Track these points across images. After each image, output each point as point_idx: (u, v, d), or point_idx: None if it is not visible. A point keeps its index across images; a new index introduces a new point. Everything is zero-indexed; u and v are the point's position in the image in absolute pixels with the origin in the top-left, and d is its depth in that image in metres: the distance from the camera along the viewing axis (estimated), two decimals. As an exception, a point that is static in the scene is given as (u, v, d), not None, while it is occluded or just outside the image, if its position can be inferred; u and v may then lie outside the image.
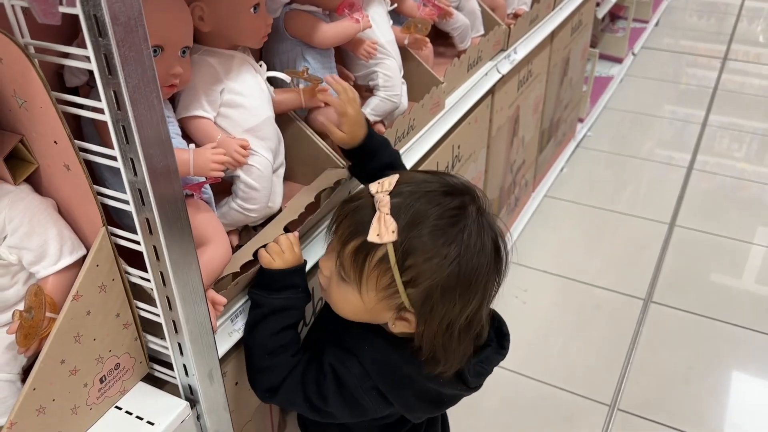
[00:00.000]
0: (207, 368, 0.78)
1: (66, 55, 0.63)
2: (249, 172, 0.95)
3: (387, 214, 0.77)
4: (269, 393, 0.89)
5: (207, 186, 0.88)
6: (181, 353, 0.75)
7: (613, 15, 3.58)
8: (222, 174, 0.83)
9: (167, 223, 0.65)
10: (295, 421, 1.13)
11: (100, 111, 0.60)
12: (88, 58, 0.57)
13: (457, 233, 0.77)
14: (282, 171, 1.05)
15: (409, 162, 1.31)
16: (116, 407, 0.77)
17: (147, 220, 0.65)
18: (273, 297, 0.90)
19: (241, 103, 0.94)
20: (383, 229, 0.76)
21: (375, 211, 0.78)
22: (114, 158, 0.63)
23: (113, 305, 0.73)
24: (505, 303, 2.11)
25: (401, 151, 1.30)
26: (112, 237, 0.70)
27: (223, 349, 0.86)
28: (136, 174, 0.62)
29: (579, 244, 2.45)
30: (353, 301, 0.82)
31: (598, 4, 2.56)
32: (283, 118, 1.11)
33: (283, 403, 0.96)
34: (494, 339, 0.92)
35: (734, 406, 1.84)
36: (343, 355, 0.87)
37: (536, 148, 2.30)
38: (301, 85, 1.07)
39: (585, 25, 2.47)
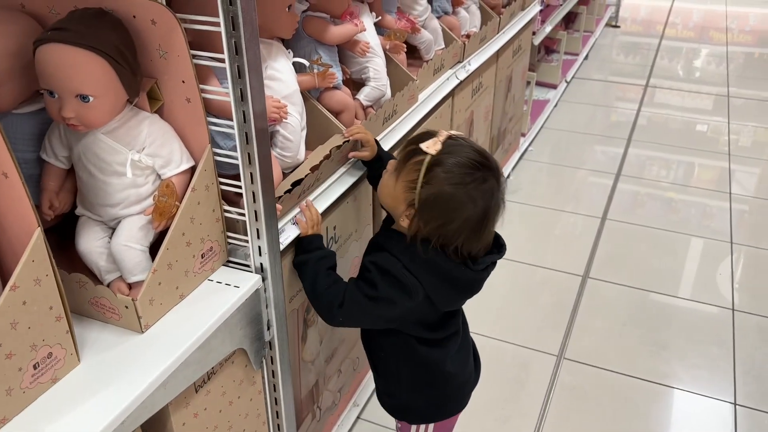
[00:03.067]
0: (274, 251, 1.09)
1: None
2: (285, 127, 1.28)
3: (440, 140, 1.12)
4: (338, 308, 1.17)
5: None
6: (258, 237, 1.07)
7: (548, 48, 4.09)
8: (278, 117, 1.17)
9: (259, 134, 0.98)
10: (314, 335, 1.44)
11: (221, 60, 0.94)
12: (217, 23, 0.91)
13: (473, 174, 1.10)
14: (305, 133, 1.39)
15: (393, 138, 1.67)
16: (209, 280, 1.08)
17: (246, 134, 0.98)
18: (315, 252, 1.25)
19: (279, 77, 1.28)
20: (432, 145, 1.11)
21: (435, 136, 1.14)
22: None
23: (212, 202, 1.05)
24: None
25: (388, 129, 1.66)
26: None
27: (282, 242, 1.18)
28: (242, 99, 0.96)
29: (527, 235, 2.84)
30: (390, 185, 1.17)
31: (534, 33, 3.02)
32: (303, 96, 1.46)
33: (349, 312, 1.19)
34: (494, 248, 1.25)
35: (662, 354, 2.23)
36: (377, 252, 1.20)
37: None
38: (315, 70, 1.42)
39: (524, 50, 2.91)
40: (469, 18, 2.29)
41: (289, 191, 1.24)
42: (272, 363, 1.21)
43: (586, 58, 4.84)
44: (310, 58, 1.47)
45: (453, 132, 1.16)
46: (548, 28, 3.19)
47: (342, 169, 1.46)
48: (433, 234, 1.12)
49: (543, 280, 2.57)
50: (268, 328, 1.16)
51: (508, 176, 3.19)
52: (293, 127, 1.30)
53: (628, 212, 3.03)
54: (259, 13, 1.24)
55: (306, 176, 1.29)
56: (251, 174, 1.02)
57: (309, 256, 1.23)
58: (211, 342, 1.01)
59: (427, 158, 1.11)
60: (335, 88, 1.51)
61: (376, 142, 1.46)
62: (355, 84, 1.69)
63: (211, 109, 1.06)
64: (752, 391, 2.07)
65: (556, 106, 4.01)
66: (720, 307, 2.43)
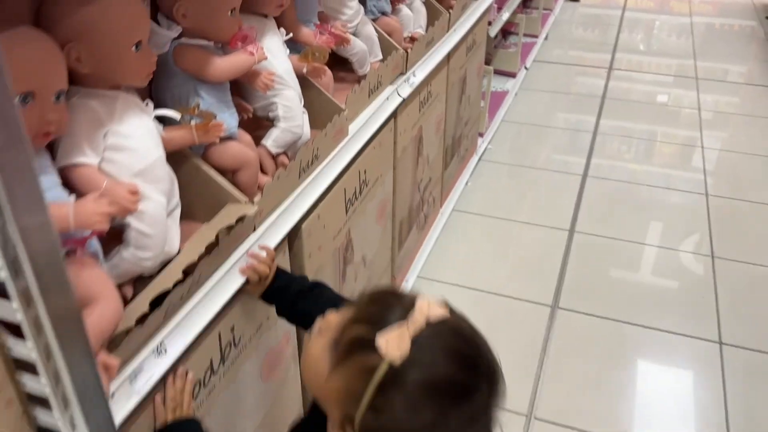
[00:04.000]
0: (105, 439, 0.72)
1: None
2: (141, 218, 0.89)
3: (409, 335, 0.69)
4: None
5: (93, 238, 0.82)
6: (73, 428, 0.69)
7: (505, 31, 3.71)
8: (106, 226, 0.78)
9: (47, 290, 0.59)
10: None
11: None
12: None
13: (450, 403, 0.69)
14: (177, 213, 1.00)
15: (316, 192, 1.29)
16: (3, 492, 0.70)
17: (24, 288, 0.59)
18: None
19: (128, 146, 0.89)
20: (393, 344, 0.68)
21: (405, 315, 0.71)
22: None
23: (-7, 381, 0.66)
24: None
25: (306, 182, 1.27)
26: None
27: (122, 414, 0.80)
28: (7, 242, 0.56)
29: (487, 255, 2.50)
30: (321, 374, 0.74)
31: (489, 23, 2.64)
32: (176, 156, 1.06)
33: None
34: None
35: (642, 404, 1.93)
36: None
37: (441, 166, 2.33)
38: (194, 122, 1.02)
39: (479, 44, 2.53)
40: (413, 16, 1.89)
41: (143, 319, 0.86)
42: None
43: (546, 38, 4.48)
44: (188, 102, 1.07)
45: (434, 305, 0.72)
46: (506, 15, 2.81)
47: (242, 250, 1.08)
48: None
49: (507, 313, 2.24)
50: None
51: (467, 183, 2.84)
52: (153, 216, 0.91)
53: (599, 221, 2.72)
54: (91, 56, 0.84)
55: (175, 285, 0.91)
56: (46, 345, 0.63)
57: None
58: None
59: (383, 366, 0.68)
60: (230, 137, 1.12)
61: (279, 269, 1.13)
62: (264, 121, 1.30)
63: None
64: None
65: (515, 96, 3.65)
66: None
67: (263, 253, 1.08)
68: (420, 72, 1.80)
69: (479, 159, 3.01)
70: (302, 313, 1.06)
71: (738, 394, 1.92)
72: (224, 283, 1.04)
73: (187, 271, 0.95)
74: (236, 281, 1.06)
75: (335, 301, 1.04)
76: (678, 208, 2.84)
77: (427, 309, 0.71)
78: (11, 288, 0.59)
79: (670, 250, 2.56)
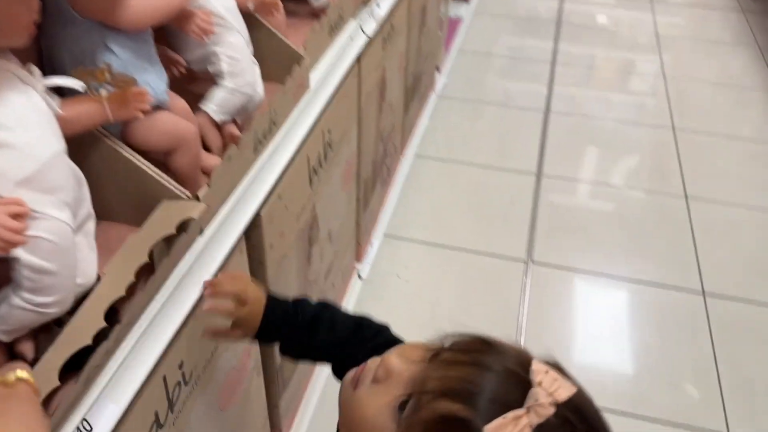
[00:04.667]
0: None
1: None
2: (35, 248, 0.59)
3: (530, 427, 0.47)
4: None
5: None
6: None
7: (456, -52, 3.36)
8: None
9: None
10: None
11: None
12: None
13: None
14: (91, 226, 0.71)
15: (276, 168, 1.00)
16: None
17: None
18: None
19: (5, 142, 0.58)
20: None
21: (517, 389, 0.49)
22: None
23: None
24: (386, 284, 1.86)
25: (264, 157, 0.98)
26: None
27: None
28: None
29: (453, 206, 2.27)
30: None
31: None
32: (83, 140, 0.75)
33: None
34: None
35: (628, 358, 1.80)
36: None
37: (402, 110, 2.05)
38: (105, 91, 0.71)
39: (438, -36, 2.21)
40: (373, -68, 1.56)
41: (51, 395, 0.58)
42: None
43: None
44: (93, 61, 0.75)
45: (559, 379, 0.50)
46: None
47: (187, 262, 0.80)
48: None
49: (480, 271, 2.03)
50: None
51: (426, 126, 2.56)
52: (52, 243, 0.61)
53: (566, 162, 2.52)
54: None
55: (96, 341, 0.62)
56: None
57: None
58: None
59: None
60: (158, 107, 0.81)
61: (269, 293, 0.82)
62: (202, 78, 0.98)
63: None
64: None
65: (470, 22, 3.35)
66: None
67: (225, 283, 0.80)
68: (384, 2, 1.49)
69: (437, 96, 2.73)
70: (320, 346, 0.80)
71: (726, 348, 1.81)
72: (165, 315, 0.76)
73: (113, 312, 0.67)
74: (181, 309, 0.78)
75: (355, 326, 0.80)
76: (645, 143, 2.67)
77: (552, 386, 0.49)
78: None
79: (642, 191, 2.40)
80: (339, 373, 0.79)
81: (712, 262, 2.09)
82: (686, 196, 2.36)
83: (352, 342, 0.79)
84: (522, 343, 1.74)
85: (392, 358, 0.55)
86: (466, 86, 2.92)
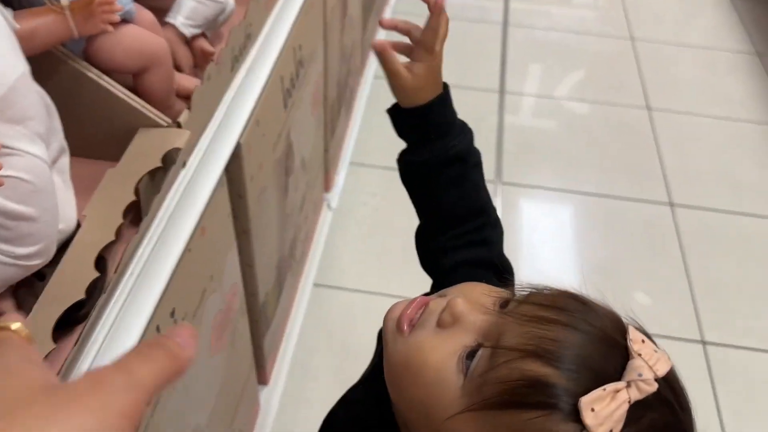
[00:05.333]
0: None
1: None
2: (9, 191, 0.49)
3: (629, 402, 0.41)
4: None
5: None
6: None
7: None
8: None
9: None
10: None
11: None
12: None
13: None
14: (66, 160, 0.60)
15: (255, 87, 0.90)
16: None
17: None
18: None
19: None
20: (604, 413, 0.40)
21: (615, 357, 0.43)
22: None
23: None
24: (356, 213, 1.81)
25: (242, 72, 0.88)
26: None
27: None
28: None
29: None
30: (434, 398, 0.45)
31: None
32: (43, 61, 0.63)
33: None
34: None
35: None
36: None
37: (361, 26, 1.93)
38: (66, 0, 0.59)
39: None
40: None
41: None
42: None
43: None
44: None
45: (653, 347, 0.44)
46: None
47: (172, 199, 0.70)
48: None
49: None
50: None
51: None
52: (28, 181, 0.51)
53: (528, 77, 2.46)
54: None
55: (90, 295, 0.54)
56: None
57: None
58: None
59: None
60: (124, 20, 0.69)
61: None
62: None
63: None
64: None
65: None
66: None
67: None
68: None
69: (392, 10, 2.60)
70: (434, 191, 0.67)
71: (696, 257, 1.84)
72: (156, 260, 0.67)
73: (100, 259, 0.58)
74: (171, 251, 0.69)
75: (479, 210, 0.68)
76: (606, 55, 2.63)
77: (652, 358, 0.42)
78: None
79: (606, 105, 2.37)
80: (420, 242, 0.70)
81: (678, 173, 2.10)
82: (648, 108, 2.35)
83: (452, 221, 0.67)
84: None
85: (460, 302, 0.47)
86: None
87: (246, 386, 1.17)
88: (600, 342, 0.43)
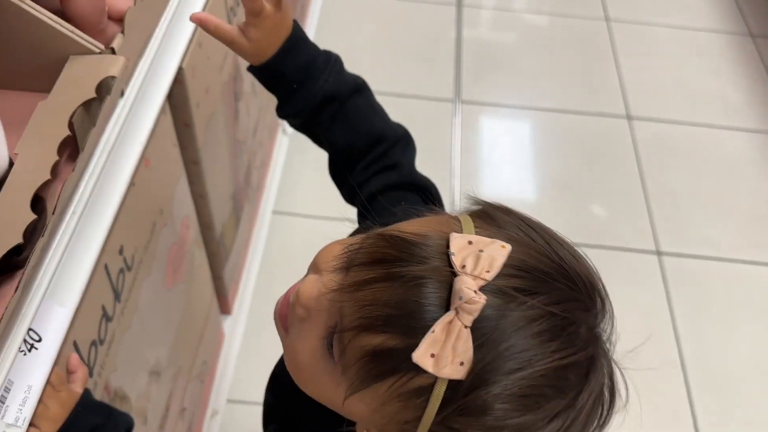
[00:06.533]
0: None
1: None
2: None
3: (467, 326, 0.39)
4: None
5: None
6: None
7: None
8: None
9: None
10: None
11: None
12: None
13: (566, 406, 0.43)
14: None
15: (190, 11, 0.84)
16: None
17: None
18: None
19: None
20: (447, 352, 0.39)
21: (441, 289, 0.40)
22: None
23: None
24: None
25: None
26: None
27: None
28: None
29: (372, 46, 2.12)
30: (326, 389, 0.46)
31: None
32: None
33: None
34: None
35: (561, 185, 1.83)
36: None
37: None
38: None
39: None
40: None
41: None
42: None
43: None
44: None
45: (487, 251, 0.41)
46: None
47: (110, 131, 0.66)
48: None
49: (410, 116, 1.95)
50: None
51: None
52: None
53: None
54: None
55: (28, 239, 0.51)
56: None
57: None
58: None
59: (439, 388, 0.40)
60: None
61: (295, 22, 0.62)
62: None
63: None
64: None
65: None
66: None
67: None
68: None
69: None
70: (328, 136, 0.65)
71: (655, 172, 1.87)
72: (99, 196, 0.64)
73: (37, 199, 0.54)
74: (115, 187, 0.66)
75: (376, 138, 0.65)
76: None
77: (474, 263, 0.40)
78: None
79: (564, 17, 2.32)
80: (335, 181, 0.68)
81: (635, 85, 2.10)
82: (607, 18, 2.32)
83: (356, 156, 0.65)
84: (456, 183, 1.75)
85: (305, 290, 0.45)
86: None
87: (208, 317, 1.16)
88: (423, 282, 0.41)
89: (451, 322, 0.39)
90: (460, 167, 1.83)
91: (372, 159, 0.65)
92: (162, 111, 0.82)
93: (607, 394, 0.47)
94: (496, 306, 0.40)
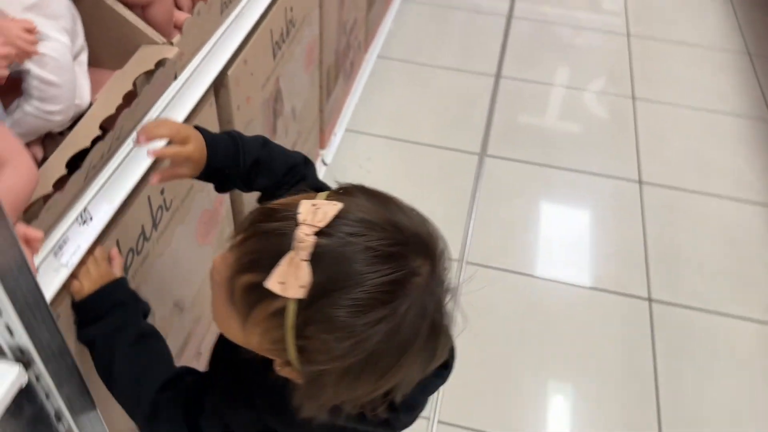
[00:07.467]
0: (38, 318, 0.62)
1: None
2: (42, 63, 0.73)
3: (304, 260, 0.56)
4: (149, 419, 0.76)
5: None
6: (-2, 312, 0.59)
7: None
8: (4, 73, 0.62)
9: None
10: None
11: None
12: None
13: (388, 314, 0.56)
14: (85, 56, 0.84)
15: (241, 31, 1.13)
16: None
17: None
18: (100, 326, 0.78)
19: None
20: (291, 279, 0.55)
21: (287, 238, 0.57)
22: None
23: None
24: (349, 173, 2.07)
25: (229, 20, 1.11)
26: None
27: (51, 290, 0.70)
28: None
29: (413, 104, 2.41)
30: (235, 329, 0.63)
31: None
32: (75, -12, 0.88)
33: None
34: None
35: (568, 242, 2.00)
36: (229, 396, 0.72)
37: (365, 5, 2.16)
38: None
39: None
40: None
41: (65, 179, 0.74)
42: (78, 453, 0.78)
43: None
44: None
45: (322, 207, 0.58)
46: None
47: (164, 100, 0.94)
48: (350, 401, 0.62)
49: (437, 164, 2.20)
50: (59, 419, 0.72)
51: (390, 27, 2.67)
52: (56, 60, 0.75)
53: (525, 65, 2.66)
54: None
55: (94, 143, 0.77)
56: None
57: (94, 331, 0.78)
58: None
59: (290, 308, 0.57)
60: (134, -37, 0.93)
61: (200, 129, 0.84)
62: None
63: None
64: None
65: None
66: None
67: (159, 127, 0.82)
68: None
69: (402, 0, 2.83)
70: (258, 188, 0.89)
71: (657, 234, 2.02)
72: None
73: (105, 127, 0.82)
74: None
75: (287, 168, 0.89)
76: (600, 49, 2.81)
77: (312, 217, 0.57)
78: None
79: (593, 93, 2.56)
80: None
81: (651, 155, 2.28)
82: (633, 97, 2.53)
83: (281, 185, 0.87)
84: (472, 227, 1.96)
85: (216, 259, 0.63)
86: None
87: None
88: (274, 233, 0.58)
89: (294, 257, 0.56)
90: (478, 211, 2.04)
91: (292, 183, 0.87)
92: (209, 103, 1.10)
93: (435, 318, 0.60)
94: (330, 245, 0.56)
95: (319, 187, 0.83)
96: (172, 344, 1.10)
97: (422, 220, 0.63)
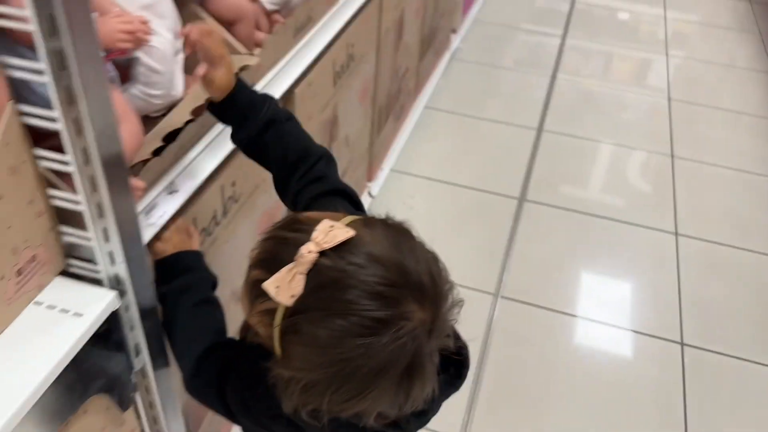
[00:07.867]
0: (135, 253, 0.73)
1: None
2: (150, 53, 0.88)
3: (301, 273, 0.61)
4: (192, 377, 0.81)
5: (111, 65, 0.81)
6: (106, 239, 0.70)
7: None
8: (130, 45, 0.76)
9: (90, 88, 0.59)
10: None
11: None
12: None
13: (362, 348, 0.59)
14: (181, 56, 0.99)
15: (310, 55, 1.28)
16: (35, 303, 0.72)
17: (66, 87, 0.59)
18: (172, 285, 0.85)
19: (137, -22, 0.86)
20: (285, 287, 0.61)
21: (296, 249, 0.62)
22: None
23: (26, 190, 0.66)
24: (394, 209, 2.20)
25: (301, 43, 1.26)
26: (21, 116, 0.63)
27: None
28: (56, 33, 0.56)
29: (457, 151, 2.54)
30: (246, 310, 0.70)
31: None
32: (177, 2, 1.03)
33: (201, 393, 0.83)
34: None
35: (602, 288, 2.06)
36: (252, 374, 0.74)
37: (417, 55, 2.32)
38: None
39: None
40: None
41: (160, 150, 0.87)
42: (148, 393, 0.88)
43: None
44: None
45: (335, 231, 0.62)
46: None
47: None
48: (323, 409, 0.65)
49: (477, 205, 2.30)
50: (138, 354, 0.82)
51: (438, 81, 2.83)
52: (161, 51, 0.89)
53: (566, 122, 2.78)
54: None
55: (186, 124, 0.91)
56: (84, 150, 0.64)
57: (165, 289, 0.85)
58: (44, 405, 0.67)
59: (280, 311, 0.62)
60: (226, -11, 1.09)
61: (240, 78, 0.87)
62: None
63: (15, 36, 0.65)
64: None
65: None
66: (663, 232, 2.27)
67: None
68: (406, -51, 1.76)
69: (451, 57, 3.00)
70: (266, 153, 0.88)
71: (691, 283, 2.06)
72: (228, 134, 1.04)
73: (195, 114, 0.95)
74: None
75: (301, 154, 0.88)
76: (641, 111, 2.92)
77: (323, 237, 0.61)
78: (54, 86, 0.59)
79: (631, 150, 2.65)
80: (279, 193, 0.91)
81: (688, 209, 2.34)
82: (672, 155, 2.61)
83: (290, 169, 0.87)
84: (507, 266, 2.04)
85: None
86: (480, 52, 3.18)
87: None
88: (286, 242, 0.64)
89: (292, 269, 0.61)
90: (511, 252, 2.12)
91: (303, 171, 0.86)
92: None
93: (413, 363, 0.61)
94: (328, 267, 0.60)
95: (337, 190, 0.86)
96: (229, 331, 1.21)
97: (432, 268, 0.64)
